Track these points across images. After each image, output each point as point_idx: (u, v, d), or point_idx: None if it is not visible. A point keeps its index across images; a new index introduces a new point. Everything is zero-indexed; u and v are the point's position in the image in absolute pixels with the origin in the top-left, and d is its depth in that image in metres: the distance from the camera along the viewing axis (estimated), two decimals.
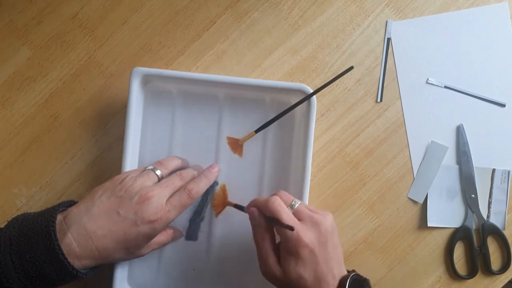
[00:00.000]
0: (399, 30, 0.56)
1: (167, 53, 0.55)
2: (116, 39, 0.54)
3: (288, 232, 0.40)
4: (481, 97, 0.56)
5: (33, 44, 0.54)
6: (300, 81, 0.55)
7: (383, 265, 0.56)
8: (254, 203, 0.45)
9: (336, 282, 0.41)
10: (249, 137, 0.52)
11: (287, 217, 0.41)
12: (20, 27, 0.54)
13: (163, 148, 0.52)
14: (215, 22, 0.55)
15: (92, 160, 0.54)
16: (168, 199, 0.44)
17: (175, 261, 0.52)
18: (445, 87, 0.56)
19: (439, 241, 0.56)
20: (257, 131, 0.51)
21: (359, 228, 0.55)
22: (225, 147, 0.52)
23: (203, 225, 0.52)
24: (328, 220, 0.42)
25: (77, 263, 0.41)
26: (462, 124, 0.56)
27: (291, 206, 0.43)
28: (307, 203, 0.49)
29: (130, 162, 0.49)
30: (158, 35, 0.55)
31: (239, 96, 0.52)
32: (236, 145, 0.53)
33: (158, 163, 0.48)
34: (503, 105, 0.56)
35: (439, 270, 0.56)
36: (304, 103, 0.50)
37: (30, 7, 0.54)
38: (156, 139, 0.52)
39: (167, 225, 0.44)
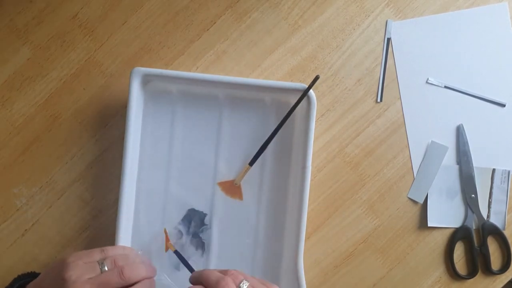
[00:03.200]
0: (399, 30, 0.56)
1: (167, 53, 0.55)
2: (116, 39, 0.54)
3: None
4: (481, 97, 0.56)
5: (33, 44, 0.54)
6: (300, 81, 0.55)
7: (383, 265, 0.56)
8: (201, 279, 0.41)
9: None
10: (244, 173, 0.51)
11: None
12: (20, 27, 0.54)
13: (163, 148, 0.52)
14: (215, 22, 0.55)
15: (92, 160, 0.54)
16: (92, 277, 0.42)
17: (176, 264, 0.52)
18: (445, 87, 0.56)
19: (439, 241, 0.56)
20: (251, 163, 0.51)
21: (359, 228, 0.55)
22: (224, 146, 0.52)
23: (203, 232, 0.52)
24: None
25: None
26: (462, 124, 0.56)
27: None
28: (307, 204, 0.49)
29: (130, 162, 0.49)
30: (158, 35, 0.55)
31: (239, 96, 0.52)
32: (233, 188, 0.52)
33: (109, 255, 0.46)
34: (503, 105, 0.56)
35: (439, 270, 0.56)
36: (304, 103, 0.50)
37: (30, 7, 0.54)
38: (156, 139, 0.52)
39: None
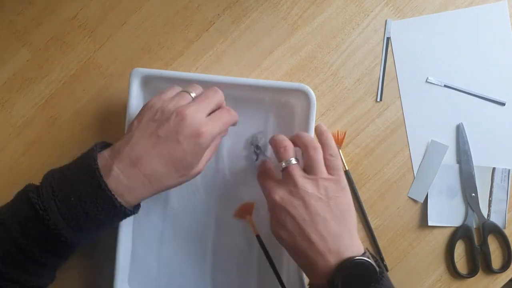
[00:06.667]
0: (398, 29, 0.56)
1: (167, 53, 0.55)
2: (116, 40, 0.54)
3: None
4: (481, 96, 0.56)
5: (33, 45, 0.54)
6: (300, 80, 0.55)
7: None
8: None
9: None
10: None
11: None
12: (20, 29, 0.54)
13: None
14: (214, 23, 0.55)
15: None
16: (208, 115, 0.43)
17: (176, 262, 0.52)
18: (445, 86, 0.56)
19: (439, 240, 0.56)
20: None
21: (359, 227, 0.55)
22: (224, 146, 0.52)
23: (203, 230, 0.52)
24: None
25: (127, 198, 0.40)
26: (462, 123, 0.56)
27: (285, 162, 0.45)
28: None
29: None
30: (158, 35, 0.55)
31: (239, 96, 0.52)
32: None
33: (191, 86, 0.46)
34: (503, 104, 0.56)
35: (440, 269, 0.56)
36: (304, 103, 0.50)
37: (30, 9, 0.54)
38: None
39: (212, 140, 0.43)
